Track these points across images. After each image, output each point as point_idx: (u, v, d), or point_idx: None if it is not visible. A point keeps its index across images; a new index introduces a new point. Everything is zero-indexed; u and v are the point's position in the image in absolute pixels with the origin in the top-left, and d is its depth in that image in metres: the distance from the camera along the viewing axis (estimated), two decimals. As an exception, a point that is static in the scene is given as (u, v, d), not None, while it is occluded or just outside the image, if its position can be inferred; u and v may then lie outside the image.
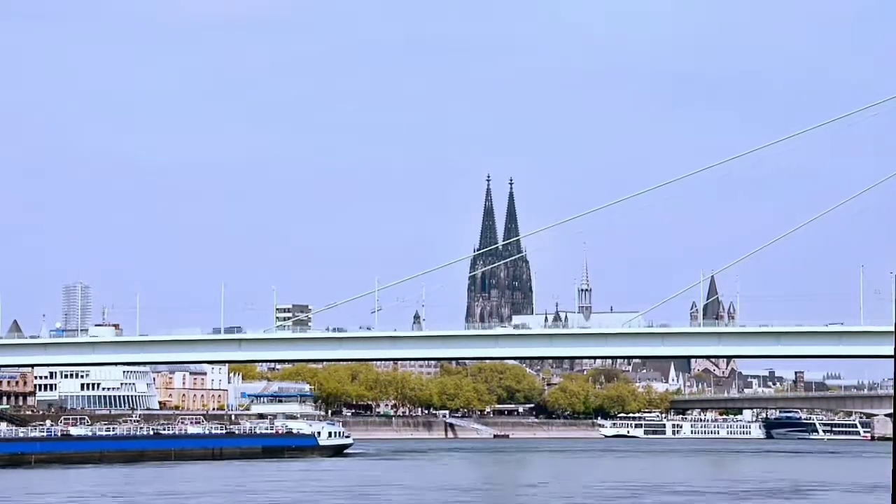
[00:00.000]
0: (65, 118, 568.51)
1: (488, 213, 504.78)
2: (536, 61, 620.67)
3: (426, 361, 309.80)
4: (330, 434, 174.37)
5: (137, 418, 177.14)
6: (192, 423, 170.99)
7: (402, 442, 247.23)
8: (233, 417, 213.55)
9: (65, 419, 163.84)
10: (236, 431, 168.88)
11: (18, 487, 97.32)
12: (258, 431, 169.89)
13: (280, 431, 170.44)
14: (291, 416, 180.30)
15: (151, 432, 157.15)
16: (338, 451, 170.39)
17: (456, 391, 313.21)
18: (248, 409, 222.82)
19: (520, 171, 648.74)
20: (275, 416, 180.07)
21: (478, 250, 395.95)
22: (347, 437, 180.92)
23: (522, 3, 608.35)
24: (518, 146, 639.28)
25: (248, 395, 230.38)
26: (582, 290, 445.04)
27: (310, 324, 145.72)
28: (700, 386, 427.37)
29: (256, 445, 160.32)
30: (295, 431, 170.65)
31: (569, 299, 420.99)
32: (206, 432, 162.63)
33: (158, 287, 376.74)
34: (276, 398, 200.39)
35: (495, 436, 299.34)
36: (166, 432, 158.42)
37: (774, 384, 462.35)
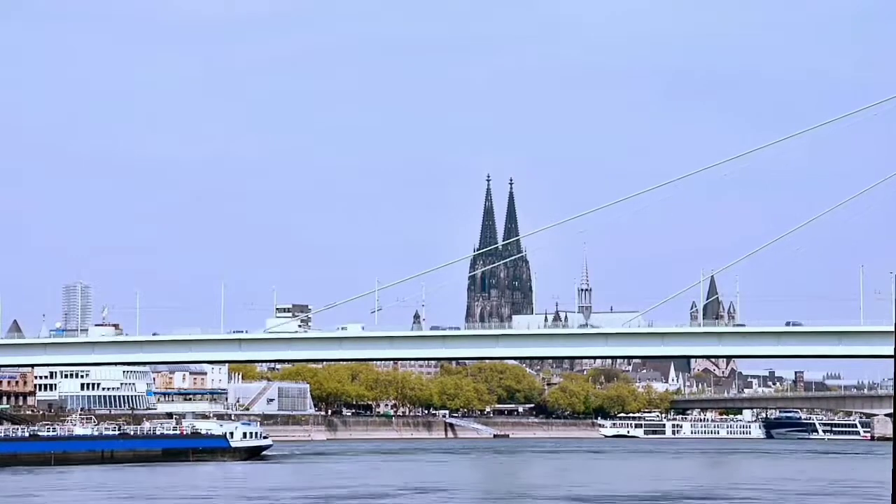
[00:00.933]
0: (64, 117, 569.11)
1: (488, 213, 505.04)
2: (536, 61, 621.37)
3: (426, 361, 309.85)
4: (245, 435, 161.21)
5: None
6: (81, 422, 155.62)
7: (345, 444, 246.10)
8: (134, 416, 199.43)
9: None
10: (131, 432, 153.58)
11: None
12: (159, 432, 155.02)
13: (185, 432, 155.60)
14: (203, 416, 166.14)
15: (28, 434, 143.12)
16: (253, 453, 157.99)
17: (456, 391, 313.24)
18: (154, 409, 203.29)
19: (520, 171, 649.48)
20: (183, 416, 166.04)
21: (478, 250, 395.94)
22: (265, 437, 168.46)
23: (523, 3, 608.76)
24: (518, 146, 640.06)
25: (155, 394, 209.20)
26: (582, 290, 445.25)
27: (310, 324, 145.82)
28: (700, 386, 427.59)
29: (155, 448, 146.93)
30: (203, 432, 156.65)
31: (569, 299, 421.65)
32: (95, 433, 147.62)
33: (158, 287, 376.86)
34: (185, 396, 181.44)
35: (495, 436, 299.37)
36: (45, 434, 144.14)
37: (774, 384, 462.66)
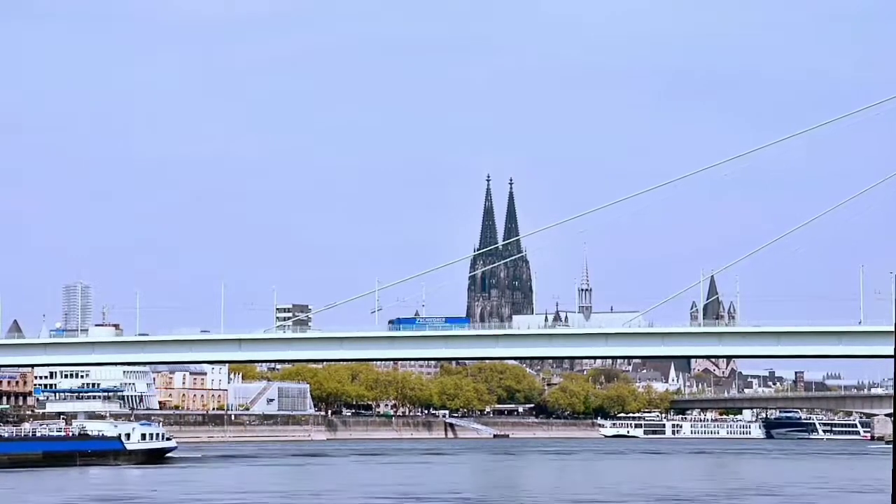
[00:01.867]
0: (64, 117, 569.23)
1: (488, 213, 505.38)
2: (536, 61, 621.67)
3: (426, 361, 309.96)
4: (143, 436, 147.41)
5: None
6: None
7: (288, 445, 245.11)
8: (17, 417, 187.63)
9: None
10: (6, 434, 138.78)
11: None
12: (40, 434, 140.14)
13: (71, 434, 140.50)
14: (97, 416, 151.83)
15: None
16: (153, 456, 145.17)
17: (456, 391, 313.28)
18: (43, 407, 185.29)
19: (520, 171, 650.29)
20: (75, 416, 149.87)
21: (478, 250, 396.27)
22: (168, 439, 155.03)
23: (523, 3, 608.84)
24: (518, 146, 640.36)
25: (41, 391, 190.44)
26: (582, 290, 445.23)
27: (310, 324, 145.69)
28: (700, 386, 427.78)
29: (34, 451, 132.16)
30: (93, 433, 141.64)
31: (569, 299, 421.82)
32: None
33: (158, 287, 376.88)
34: (76, 394, 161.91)
35: (495, 436, 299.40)
36: None
37: (774, 384, 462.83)
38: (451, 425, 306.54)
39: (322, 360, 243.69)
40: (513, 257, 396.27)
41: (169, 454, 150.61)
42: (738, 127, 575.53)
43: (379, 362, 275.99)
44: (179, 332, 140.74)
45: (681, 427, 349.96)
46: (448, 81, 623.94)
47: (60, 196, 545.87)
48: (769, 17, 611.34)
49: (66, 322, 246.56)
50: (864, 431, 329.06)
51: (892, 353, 49.77)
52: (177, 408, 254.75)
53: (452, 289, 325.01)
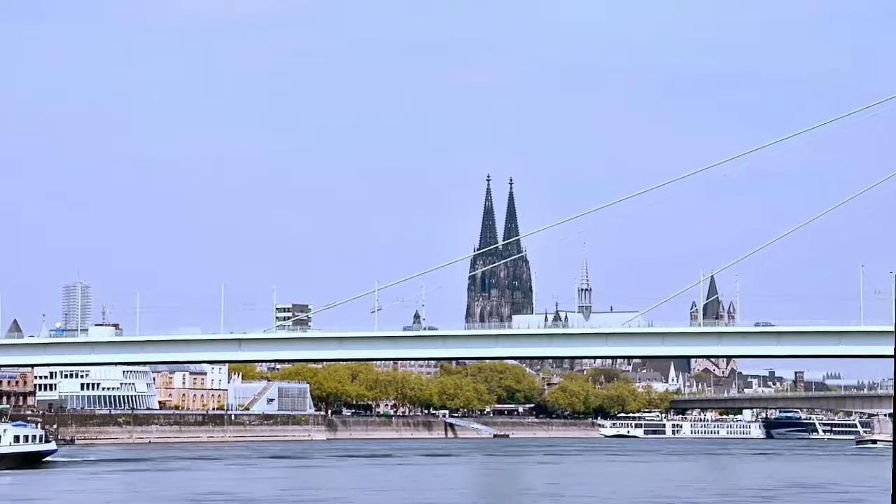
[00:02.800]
0: (64, 118, 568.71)
1: (488, 213, 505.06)
2: (536, 61, 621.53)
3: (426, 361, 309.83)
4: (17, 438, 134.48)
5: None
6: None
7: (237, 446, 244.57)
8: None
9: None
10: None
11: None
12: None
13: None
14: None
15: None
16: (29, 460, 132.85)
17: (456, 391, 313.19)
18: None
19: (520, 171, 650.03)
20: None
21: (478, 250, 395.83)
22: (48, 442, 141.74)
23: (523, 2, 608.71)
24: (518, 146, 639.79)
25: None
26: (582, 289, 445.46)
27: (310, 324, 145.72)
28: (700, 386, 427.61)
29: None
30: None
31: (569, 299, 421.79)
32: None
33: (158, 287, 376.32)
34: None
35: (495, 436, 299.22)
36: None
37: (774, 384, 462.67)
38: (451, 425, 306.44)
39: (322, 360, 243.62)
40: (513, 257, 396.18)
41: (47, 458, 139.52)
42: (738, 127, 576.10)
43: (379, 362, 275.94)
44: (179, 333, 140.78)
45: (681, 427, 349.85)
46: (448, 81, 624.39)
47: (60, 196, 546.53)
48: (769, 17, 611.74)
49: (66, 322, 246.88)
50: (864, 431, 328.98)
51: (892, 353, 49.74)
52: (177, 408, 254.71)
53: (452, 289, 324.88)
